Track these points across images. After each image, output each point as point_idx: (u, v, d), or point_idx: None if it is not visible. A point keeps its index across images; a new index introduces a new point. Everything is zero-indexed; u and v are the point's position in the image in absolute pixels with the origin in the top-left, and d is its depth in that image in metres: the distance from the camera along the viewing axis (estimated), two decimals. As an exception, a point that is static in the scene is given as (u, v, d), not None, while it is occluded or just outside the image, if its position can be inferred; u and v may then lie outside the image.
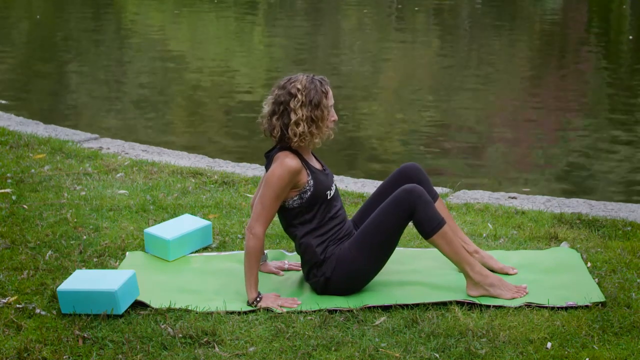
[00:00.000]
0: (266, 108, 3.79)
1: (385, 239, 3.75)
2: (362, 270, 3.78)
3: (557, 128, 8.67)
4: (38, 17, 16.20)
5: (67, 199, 4.99)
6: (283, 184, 3.69)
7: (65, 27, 15.29)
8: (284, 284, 3.96)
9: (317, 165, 3.88)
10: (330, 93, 3.76)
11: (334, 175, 5.57)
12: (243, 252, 4.28)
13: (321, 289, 3.81)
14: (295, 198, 3.76)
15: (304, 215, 3.78)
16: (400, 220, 3.72)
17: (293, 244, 4.11)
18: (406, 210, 3.70)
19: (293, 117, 3.69)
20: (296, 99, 3.68)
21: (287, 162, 3.69)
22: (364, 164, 7.18)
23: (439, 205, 4.00)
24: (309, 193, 3.75)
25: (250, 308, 3.68)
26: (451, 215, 4.24)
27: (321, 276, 3.78)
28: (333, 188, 3.87)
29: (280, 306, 3.69)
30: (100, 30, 14.86)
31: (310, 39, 14.37)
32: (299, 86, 3.70)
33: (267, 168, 3.84)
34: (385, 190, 4.00)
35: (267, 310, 3.66)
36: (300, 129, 3.68)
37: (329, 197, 3.81)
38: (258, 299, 3.71)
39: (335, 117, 3.80)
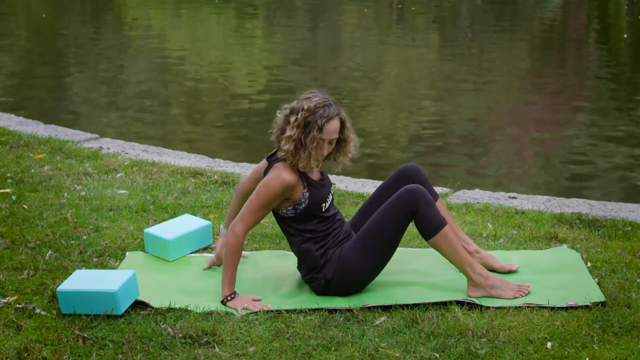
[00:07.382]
0: (279, 115, 3.79)
1: (387, 239, 3.74)
2: (363, 271, 3.78)
3: (557, 127, 8.67)
4: (44, 15, 16.20)
5: (67, 199, 4.99)
6: (273, 196, 3.69)
7: (68, 26, 15.29)
8: (283, 283, 3.96)
9: (315, 177, 3.84)
10: (329, 128, 3.66)
11: (333, 175, 5.61)
12: (242, 252, 4.30)
13: (321, 290, 3.81)
14: (289, 208, 3.76)
15: (299, 224, 3.78)
16: (402, 220, 3.72)
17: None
18: (408, 210, 3.70)
19: (287, 132, 3.69)
20: (295, 117, 3.67)
21: (282, 175, 3.68)
22: (363, 163, 7.18)
23: (440, 205, 4.00)
24: (303, 205, 3.75)
25: (250, 308, 3.68)
26: (452, 215, 4.24)
27: (322, 279, 3.78)
28: (329, 200, 3.85)
29: (244, 308, 3.66)
30: (100, 30, 14.86)
31: (310, 39, 14.37)
32: (306, 106, 3.67)
33: (265, 172, 3.83)
34: (384, 191, 3.98)
35: (267, 310, 3.66)
36: (287, 146, 3.67)
37: (323, 210, 3.80)
38: (229, 298, 3.71)
39: (324, 153, 3.71)
